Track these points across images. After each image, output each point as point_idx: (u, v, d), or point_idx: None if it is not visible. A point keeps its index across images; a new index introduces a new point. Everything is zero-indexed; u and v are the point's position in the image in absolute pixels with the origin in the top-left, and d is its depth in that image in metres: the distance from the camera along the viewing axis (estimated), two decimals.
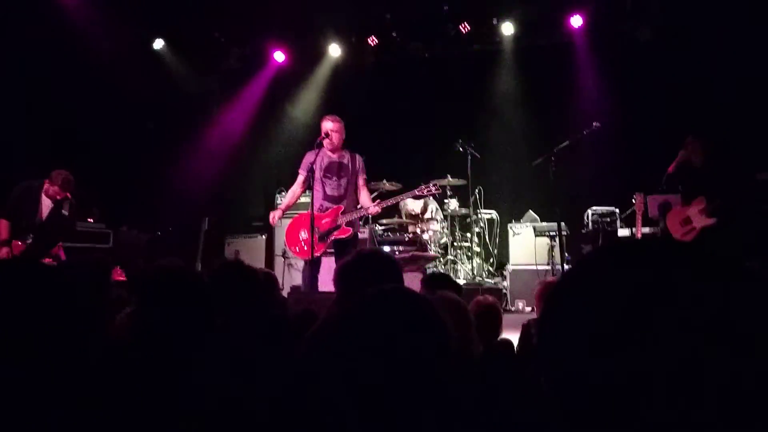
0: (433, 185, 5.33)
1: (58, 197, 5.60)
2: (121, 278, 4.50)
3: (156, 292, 1.79)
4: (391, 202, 5.45)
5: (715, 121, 6.42)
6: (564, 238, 7.07)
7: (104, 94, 7.28)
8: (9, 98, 6.60)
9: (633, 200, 5.96)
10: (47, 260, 5.38)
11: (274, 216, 5.46)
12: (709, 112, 6.61)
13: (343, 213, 5.24)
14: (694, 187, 5.22)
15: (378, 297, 1.16)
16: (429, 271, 6.65)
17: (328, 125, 5.23)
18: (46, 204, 5.64)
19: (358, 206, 5.33)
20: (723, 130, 6.24)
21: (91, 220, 6.88)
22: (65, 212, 5.73)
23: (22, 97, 6.76)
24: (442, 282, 3.23)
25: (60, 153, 6.52)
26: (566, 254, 6.09)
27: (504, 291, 6.94)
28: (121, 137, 7.62)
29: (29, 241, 5.56)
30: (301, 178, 5.39)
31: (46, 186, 5.56)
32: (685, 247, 0.66)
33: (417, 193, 5.41)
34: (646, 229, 6.01)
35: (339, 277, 2.09)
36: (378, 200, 5.37)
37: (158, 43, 8.43)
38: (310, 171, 5.16)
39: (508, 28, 8.18)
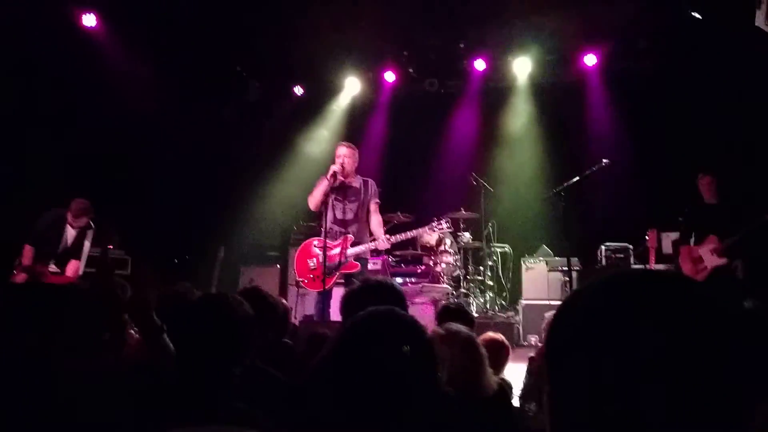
0: (445, 221, 5.33)
1: (74, 224, 5.78)
2: None
3: (193, 320, 1.74)
4: (401, 237, 5.34)
5: (729, 157, 6.40)
6: (576, 274, 7.05)
7: (128, 123, 7.50)
8: (36, 127, 6.84)
9: (646, 237, 5.95)
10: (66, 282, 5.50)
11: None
12: (722, 147, 6.61)
13: (353, 245, 5.17)
14: (706, 225, 5.18)
15: (368, 318, 1.21)
16: (442, 303, 6.64)
17: (342, 151, 5.30)
18: (71, 233, 5.84)
19: (369, 237, 5.30)
20: (736, 166, 6.21)
21: (111, 247, 7.03)
22: (87, 241, 5.89)
23: (49, 125, 7.00)
24: (455, 315, 3.25)
25: (83, 180, 6.70)
26: None
27: (516, 325, 6.90)
28: (142, 166, 7.81)
29: (51, 266, 5.69)
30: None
31: (67, 214, 5.76)
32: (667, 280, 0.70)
33: (428, 230, 5.41)
34: (660, 266, 5.96)
35: (344, 305, 2.15)
36: (387, 235, 5.27)
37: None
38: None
39: (523, 65, 8.34)
